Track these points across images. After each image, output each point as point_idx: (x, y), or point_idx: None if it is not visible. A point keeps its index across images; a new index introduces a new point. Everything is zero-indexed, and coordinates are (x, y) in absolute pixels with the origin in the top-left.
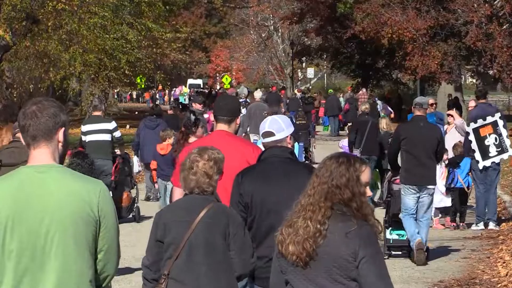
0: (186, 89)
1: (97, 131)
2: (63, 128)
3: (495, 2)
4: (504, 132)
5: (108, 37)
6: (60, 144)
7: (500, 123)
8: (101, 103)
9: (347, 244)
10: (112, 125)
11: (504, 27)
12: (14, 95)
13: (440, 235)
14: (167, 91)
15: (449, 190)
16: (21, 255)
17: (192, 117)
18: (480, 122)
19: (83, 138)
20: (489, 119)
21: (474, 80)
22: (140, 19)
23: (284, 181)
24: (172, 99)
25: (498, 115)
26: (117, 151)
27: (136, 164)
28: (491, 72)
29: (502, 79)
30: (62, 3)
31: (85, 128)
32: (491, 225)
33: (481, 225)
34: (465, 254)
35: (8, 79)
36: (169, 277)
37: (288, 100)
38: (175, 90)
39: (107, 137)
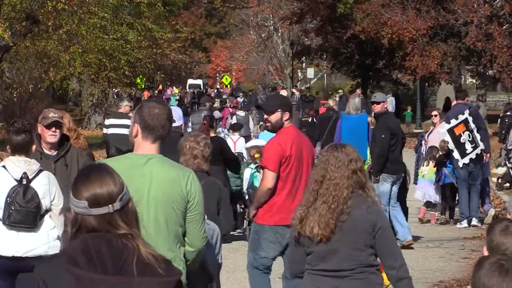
0: (176, 90)
1: (118, 126)
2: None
3: (495, 2)
4: (474, 127)
5: (108, 38)
6: None
7: (470, 119)
8: (123, 101)
9: (369, 217)
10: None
11: (504, 27)
12: (14, 95)
13: (440, 235)
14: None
15: (439, 186)
16: None
17: (217, 114)
18: (453, 122)
19: (105, 130)
20: (460, 117)
21: (474, 80)
22: (140, 19)
23: None
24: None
25: (467, 112)
26: None
27: None
28: (491, 72)
29: (502, 79)
30: (62, 3)
31: (108, 122)
32: (474, 221)
33: (464, 223)
34: (465, 254)
35: (8, 79)
36: None
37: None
38: (166, 91)
39: (126, 131)
